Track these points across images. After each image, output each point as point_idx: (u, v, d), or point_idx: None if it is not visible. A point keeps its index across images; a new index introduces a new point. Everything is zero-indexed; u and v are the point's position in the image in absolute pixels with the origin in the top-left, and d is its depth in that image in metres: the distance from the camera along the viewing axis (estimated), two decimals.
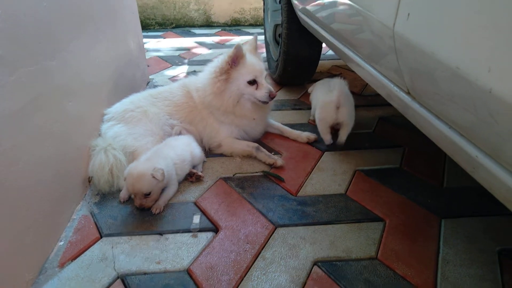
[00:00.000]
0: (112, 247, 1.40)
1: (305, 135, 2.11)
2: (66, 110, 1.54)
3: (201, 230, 1.49)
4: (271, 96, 1.89)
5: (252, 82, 1.89)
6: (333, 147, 2.03)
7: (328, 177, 1.80)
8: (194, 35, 4.70)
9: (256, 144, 1.96)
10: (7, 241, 1.12)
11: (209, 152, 2.01)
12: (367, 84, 2.94)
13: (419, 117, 1.03)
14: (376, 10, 1.14)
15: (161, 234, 1.47)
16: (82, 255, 1.37)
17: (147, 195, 1.52)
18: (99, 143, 1.74)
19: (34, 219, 1.27)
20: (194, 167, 1.82)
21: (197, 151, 1.85)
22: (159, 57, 3.74)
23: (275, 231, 1.47)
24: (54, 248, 1.38)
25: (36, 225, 1.29)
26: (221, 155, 2.00)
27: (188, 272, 1.30)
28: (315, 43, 2.62)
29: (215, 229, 1.49)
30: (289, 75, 2.73)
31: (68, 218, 1.52)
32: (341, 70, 3.25)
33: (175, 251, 1.38)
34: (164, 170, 1.54)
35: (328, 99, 1.95)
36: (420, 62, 0.90)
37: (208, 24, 5.10)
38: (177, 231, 1.48)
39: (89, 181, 1.71)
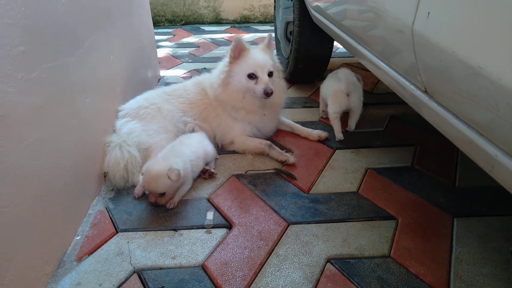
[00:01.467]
0: (128, 242, 1.43)
1: (316, 133, 2.12)
2: (83, 106, 1.56)
3: (215, 226, 1.50)
4: (265, 93, 1.84)
5: (252, 76, 1.88)
6: (344, 141, 2.08)
7: (340, 175, 1.81)
8: (204, 32, 4.71)
9: (268, 142, 1.97)
10: (28, 234, 1.15)
11: (221, 149, 2.03)
12: (378, 82, 2.93)
13: (436, 116, 1.04)
14: (394, 8, 1.14)
15: (175, 230, 1.49)
16: (99, 249, 1.39)
17: (162, 194, 1.54)
18: (114, 139, 1.76)
19: (53, 212, 1.30)
20: (207, 164, 1.84)
21: (210, 148, 1.87)
22: (170, 54, 3.76)
23: (288, 228, 1.49)
24: (71, 242, 1.41)
25: (55, 218, 1.31)
26: (233, 152, 2.02)
27: (203, 267, 1.31)
28: (327, 40, 2.62)
29: (229, 226, 1.51)
30: (300, 72, 2.74)
31: (84, 213, 1.55)
32: (352, 68, 3.23)
33: (189, 246, 1.40)
34: (181, 169, 1.55)
35: (338, 87, 2.09)
36: (440, 61, 0.91)
37: (218, 21, 5.11)
38: (191, 227, 1.50)
39: (105, 177, 1.73)
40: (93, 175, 1.65)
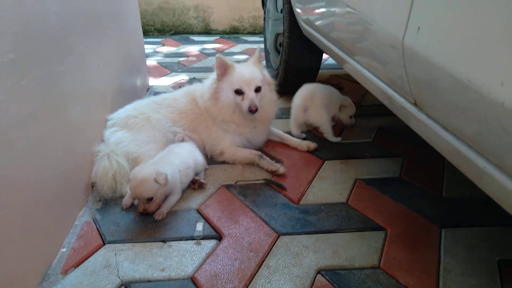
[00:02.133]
0: (116, 254, 1.40)
1: (306, 144, 2.13)
2: (73, 114, 1.54)
3: (205, 237, 1.49)
4: (250, 109, 1.83)
5: (239, 92, 1.88)
6: (333, 152, 2.11)
7: (329, 186, 1.82)
8: (193, 42, 4.73)
9: (259, 152, 1.97)
10: (12, 245, 1.11)
11: (211, 160, 2.02)
12: (365, 94, 2.98)
13: (426, 128, 1.06)
14: (384, 22, 1.17)
15: (164, 241, 1.46)
16: (86, 262, 1.36)
17: (149, 199, 1.52)
18: (102, 149, 1.74)
19: (39, 223, 1.27)
20: (196, 174, 1.83)
21: (199, 158, 1.86)
22: (159, 63, 3.75)
23: (278, 239, 1.48)
24: (57, 255, 1.37)
25: (40, 229, 1.28)
26: (223, 162, 2.01)
27: (193, 280, 1.29)
28: (316, 52, 2.65)
29: (219, 237, 1.49)
30: (289, 84, 2.76)
31: (70, 224, 1.51)
32: (340, 80, 3.29)
33: (178, 258, 1.38)
34: (168, 175, 1.54)
35: (295, 103, 2.24)
36: (430, 74, 0.93)
37: (207, 31, 5.13)
38: (181, 239, 1.48)
39: (92, 187, 1.70)
40: (80, 185, 1.62)
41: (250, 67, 1.96)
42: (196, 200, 1.71)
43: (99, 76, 1.90)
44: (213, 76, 1.99)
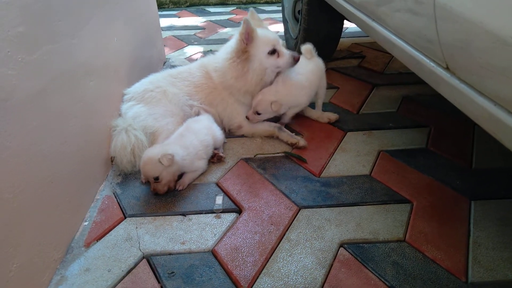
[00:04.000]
0: (136, 227, 1.40)
1: (326, 115, 2.06)
2: (88, 89, 1.52)
3: (224, 211, 1.47)
4: (296, 60, 1.85)
5: (273, 52, 1.83)
6: (356, 123, 2.04)
7: (352, 158, 1.76)
8: (209, 13, 4.61)
9: (278, 124, 1.92)
10: (35, 219, 1.12)
11: (229, 133, 1.98)
12: (389, 62, 2.84)
13: (458, 94, 0.97)
14: None
15: (184, 215, 1.46)
16: (107, 235, 1.37)
17: (156, 179, 1.51)
18: (120, 123, 1.72)
19: (60, 197, 1.28)
20: (215, 148, 1.80)
21: (218, 133, 1.82)
22: (175, 36, 3.68)
23: (299, 212, 1.45)
24: (79, 228, 1.39)
25: (62, 204, 1.29)
26: (242, 136, 1.97)
27: (213, 253, 1.29)
28: (337, 19, 2.53)
29: (238, 210, 1.48)
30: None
31: (91, 198, 1.53)
32: (362, 48, 3.15)
33: (199, 232, 1.38)
34: (177, 155, 1.52)
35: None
36: (465, 33, 0.84)
37: (223, 2, 4.98)
38: (200, 212, 1.47)
39: (112, 161, 1.70)
40: (99, 160, 1.62)
41: (264, 29, 1.93)
42: (215, 173, 1.69)
43: (113, 49, 1.86)
44: (225, 50, 1.92)
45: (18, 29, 1.07)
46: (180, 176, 1.62)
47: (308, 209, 1.46)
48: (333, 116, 2.05)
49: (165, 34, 3.68)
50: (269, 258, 1.26)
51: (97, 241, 1.35)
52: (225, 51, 1.92)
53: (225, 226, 1.40)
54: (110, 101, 1.79)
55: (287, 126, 2.00)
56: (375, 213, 1.42)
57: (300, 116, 2.13)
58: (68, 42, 1.36)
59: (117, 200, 1.54)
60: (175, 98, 1.87)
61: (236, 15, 4.51)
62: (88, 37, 1.54)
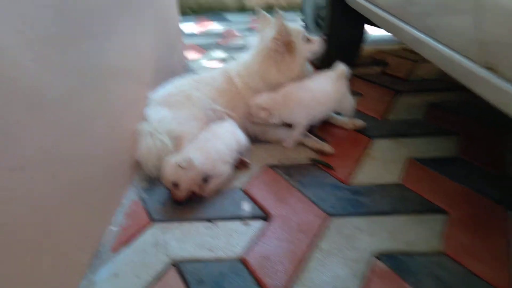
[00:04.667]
0: (163, 233, 1.38)
1: (352, 122, 2.02)
2: (115, 92, 1.52)
3: (251, 217, 1.44)
4: (325, 40, 2.03)
5: (305, 39, 1.95)
6: (381, 129, 1.97)
7: (380, 165, 1.71)
8: (228, 20, 4.63)
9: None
10: (62, 220, 1.11)
11: (254, 139, 1.96)
12: (412, 69, 2.79)
13: (504, 96, 0.93)
14: None
15: (210, 220, 1.43)
16: (135, 240, 1.35)
17: (175, 185, 1.48)
18: (145, 128, 1.71)
19: (87, 200, 1.26)
20: (240, 153, 1.77)
21: (242, 138, 1.80)
22: (195, 43, 3.69)
23: (329, 220, 1.41)
24: (106, 232, 1.37)
25: (90, 207, 1.28)
26: (265, 142, 1.94)
27: (242, 260, 1.26)
28: (359, 25, 2.51)
29: (265, 217, 1.44)
30: (331, 59, 2.62)
31: (118, 202, 1.51)
32: (384, 55, 3.11)
33: (226, 238, 1.34)
34: (196, 160, 1.49)
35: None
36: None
37: (242, 9, 5.01)
38: (227, 218, 1.44)
39: (137, 166, 1.69)
40: (125, 164, 1.61)
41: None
42: (240, 179, 1.66)
43: (138, 53, 1.87)
44: (259, 50, 1.93)
45: (51, 29, 1.07)
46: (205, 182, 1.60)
47: (338, 217, 1.42)
48: (359, 123, 2.01)
49: (186, 41, 3.70)
50: (301, 267, 1.22)
51: (125, 246, 1.33)
52: (257, 54, 1.93)
53: (253, 233, 1.36)
54: (135, 104, 1.78)
55: (311, 133, 1.97)
56: (409, 223, 1.37)
57: (324, 123, 2.09)
58: (98, 44, 1.36)
59: (143, 205, 1.52)
60: (199, 102, 1.86)
61: (255, 23, 4.51)
62: (117, 40, 1.54)
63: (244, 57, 2.01)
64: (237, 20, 4.65)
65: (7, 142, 0.89)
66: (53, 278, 1.04)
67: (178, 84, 1.95)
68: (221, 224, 1.42)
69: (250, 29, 4.16)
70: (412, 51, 3.15)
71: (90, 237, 1.29)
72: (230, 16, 4.87)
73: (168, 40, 2.52)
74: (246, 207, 1.49)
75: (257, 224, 1.41)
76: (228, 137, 1.71)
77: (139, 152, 1.66)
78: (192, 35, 4.02)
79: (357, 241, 1.31)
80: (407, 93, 2.40)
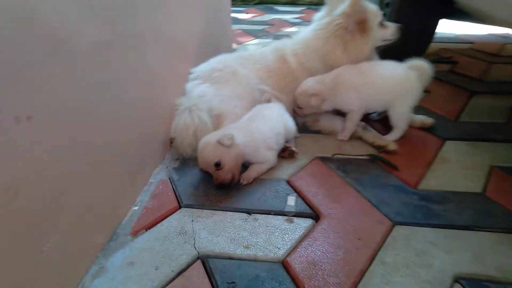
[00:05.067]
0: (193, 220, 1.17)
1: (419, 119, 1.73)
2: (155, 58, 1.34)
3: (298, 215, 1.20)
4: (400, 29, 1.74)
5: (380, 23, 1.70)
6: (455, 131, 1.67)
7: (457, 170, 1.41)
8: (277, 12, 4.42)
9: (362, 122, 1.62)
10: (77, 194, 0.92)
11: (302, 128, 1.71)
12: (487, 69, 2.44)
13: None
14: None
15: (249, 213, 1.21)
16: (158, 224, 1.15)
17: (217, 165, 1.27)
18: (184, 103, 1.52)
19: (109, 173, 1.08)
20: (286, 141, 1.54)
21: (290, 123, 1.57)
22: (243, 30, 3.51)
23: (394, 228, 1.14)
24: (128, 213, 1.19)
25: (112, 181, 1.10)
26: (317, 131, 1.70)
27: (284, 264, 1.02)
28: (433, 15, 2.20)
29: (315, 216, 1.20)
30: (396, 49, 2.33)
31: (145, 181, 1.33)
32: (451, 53, 2.76)
33: (266, 236, 1.11)
34: (238, 139, 1.29)
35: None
36: None
37: (293, 1, 4.78)
38: (269, 212, 1.21)
39: (171, 142, 1.50)
40: (158, 139, 1.43)
41: None
42: (286, 170, 1.43)
43: (181, 25, 1.68)
44: (326, 24, 1.69)
45: None
46: (246, 168, 1.38)
47: (405, 226, 1.15)
48: (428, 121, 1.72)
49: (233, 27, 3.52)
50: (358, 282, 0.96)
51: (146, 230, 1.13)
52: (321, 30, 1.69)
53: (299, 233, 1.12)
54: (175, 76, 1.60)
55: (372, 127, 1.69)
56: (498, 242, 1.08)
57: (387, 118, 1.81)
58: (144, 3, 1.18)
59: (172, 186, 1.32)
60: (245, 80, 1.64)
61: (306, 14, 4.27)
62: (165, 5, 1.36)
63: (303, 33, 1.77)
64: (288, 11, 4.43)
65: (20, 87, 0.71)
66: (58, 258, 0.85)
67: (223, 59, 1.75)
68: (261, 218, 1.19)
69: (301, 20, 3.92)
70: (483, 51, 2.79)
71: (109, 215, 1.10)
72: (280, 7, 4.66)
73: (216, 19, 2.34)
74: (292, 201, 1.25)
75: (304, 223, 1.16)
76: (274, 119, 1.49)
77: (175, 128, 1.47)
78: (240, 21, 3.85)
79: (430, 258, 1.03)
80: (484, 94, 2.07)
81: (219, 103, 1.55)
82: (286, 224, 1.16)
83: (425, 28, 2.30)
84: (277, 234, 1.12)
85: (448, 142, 1.61)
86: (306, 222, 1.17)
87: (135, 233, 1.11)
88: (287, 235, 1.11)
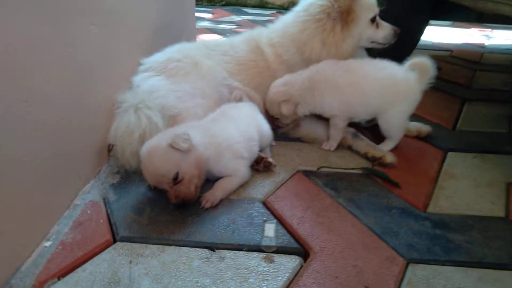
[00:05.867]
0: (131, 261, 0.81)
1: (415, 127, 1.48)
2: (86, 36, 1.00)
3: (279, 250, 0.88)
4: (397, 33, 1.46)
5: (373, 21, 1.39)
6: (457, 141, 1.43)
7: (469, 188, 1.16)
8: (246, 14, 4.15)
9: (352, 129, 1.34)
10: None
11: (279, 135, 1.40)
12: (473, 76, 2.27)
13: None
14: None
15: (212, 249, 0.87)
16: (79, 269, 0.79)
17: (175, 179, 0.93)
18: (128, 99, 1.17)
19: (12, 194, 0.71)
20: (260, 150, 1.22)
21: (265, 127, 1.26)
22: (208, 28, 3.20)
23: (408, 268, 0.85)
24: (33, 252, 0.81)
25: (13, 205, 0.72)
26: (297, 139, 1.40)
27: None
28: (422, 12, 2.00)
29: (303, 252, 0.88)
30: (381, 49, 2.13)
31: (66, 203, 0.95)
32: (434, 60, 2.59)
33: (237, 284, 0.78)
34: (195, 138, 0.98)
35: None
36: None
37: (262, 4, 4.54)
38: (240, 248, 0.88)
39: (109, 151, 1.14)
40: (91, 147, 1.07)
41: None
42: (261, 187, 1.11)
43: (133, 1, 1.34)
44: (304, 11, 1.39)
45: None
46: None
47: (423, 265, 0.86)
48: (424, 129, 1.47)
49: (197, 25, 3.20)
50: None
51: (59, 279, 0.76)
52: (303, 12, 1.39)
53: (282, 280, 0.80)
54: (117, 65, 1.24)
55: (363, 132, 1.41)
56: None
57: (376, 125, 1.54)
58: None
59: (106, 211, 0.96)
60: (210, 74, 1.32)
61: (276, 18, 4.03)
62: None
63: (283, 18, 1.48)
64: (257, 13, 4.17)
65: None
66: None
67: (183, 48, 1.42)
68: (230, 257, 0.85)
69: (270, 23, 3.67)
70: (463, 59, 2.65)
71: (5, 257, 0.72)
72: (249, 10, 4.40)
73: (178, 9, 2.00)
74: (271, 231, 0.93)
75: (289, 263, 0.84)
76: (245, 121, 1.17)
77: (115, 132, 1.11)
78: (205, 20, 3.53)
79: None
80: (476, 101, 1.88)
81: (175, 101, 1.21)
82: (264, 264, 0.83)
83: (413, 31, 2.11)
84: (252, 280, 0.79)
85: (450, 154, 1.36)
86: (292, 262, 0.85)
87: (41, 285, 0.74)
88: (266, 281, 0.79)
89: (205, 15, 3.84)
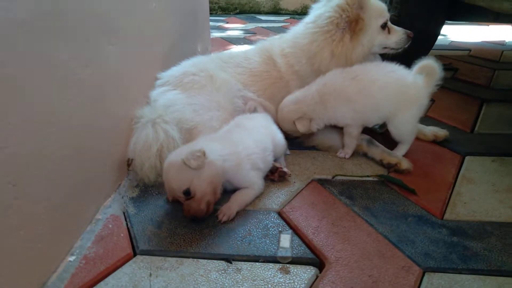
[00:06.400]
0: (151, 274, 0.84)
1: (431, 131, 1.46)
2: (106, 54, 1.04)
3: (295, 261, 0.89)
4: (410, 37, 1.44)
5: (384, 27, 1.39)
6: (474, 144, 1.41)
7: (488, 194, 1.14)
8: (260, 21, 4.19)
9: (367, 136, 1.34)
10: None
11: (293, 143, 1.42)
12: (493, 76, 2.22)
13: None
14: None
15: (229, 260, 0.89)
16: (101, 283, 0.82)
17: (187, 194, 0.96)
18: (146, 114, 1.21)
19: (35, 211, 0.75)
20: (275, 160, 1.24)
21: (279, 137, 1.28)
22: (222, 38, 3.25)
23: (424, 277, 0.84)
24: (59, 267, 0.85)
25: (38, 221, 0.76)
26: (312, 147, 1.41)
27: None
28: (438, 18, 1.98)
29: (318, 263, 0.89)
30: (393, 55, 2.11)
31: (89, 218, 0.99)
32: (450, 60, 2.55)
33: None
34: (213, 153, 1.01)
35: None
36: None
37: (276, 11, 4.57)
38: (256, 259, 0.90)
39: (128, 165, 1.18)
40: (111, 162, 1.11)
41: None
42: (276, 197, 1.12)
43: (149, 17, 1.39)
44: (316, 20, 1.40)
45: None
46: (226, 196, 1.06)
47: (440, 274, 0.85)
48: (441, 133, 1.45)
49: (212, 35, 3.25)
50: None
51: None
52: (312, 23, 1.41)
53: None
54: (135, 81, 1.29)
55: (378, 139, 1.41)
56: None
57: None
58: None
59: (127, 224, 1.00)
60: (225, 86, 1.35)
61: (290, 24, 4.05)
62: None
63: (294, 29, 1.50)
64: (271, 20, 4.20)
65: None
66: None
67: (198, 61, 1.46)
68: (246, 268, 0.87)
69: (284, 29, 3.69)
70: (483, 58, 2.59)
71: (28, 272, 0.77)
72: (262, 17, 4.44)
73: (193, 20, 2.06)
74: (286, 242, 0.94)
75: (305, 274, 0.85)
76: (260, 132, 1.19)
77: (133, 147, 1.15)
78: (219, 29, 3.59)
79: None
80: (495, 102, 1.84)
81: (192, 114, 1.25)
82: (280, 275, 0.85)
83: (429, 31, 2.07)
84: None
85: (468, 158, 1.34)
86: (307, 272, 0.86)
87: None
88: None
89: (219, 24, 3.90)
